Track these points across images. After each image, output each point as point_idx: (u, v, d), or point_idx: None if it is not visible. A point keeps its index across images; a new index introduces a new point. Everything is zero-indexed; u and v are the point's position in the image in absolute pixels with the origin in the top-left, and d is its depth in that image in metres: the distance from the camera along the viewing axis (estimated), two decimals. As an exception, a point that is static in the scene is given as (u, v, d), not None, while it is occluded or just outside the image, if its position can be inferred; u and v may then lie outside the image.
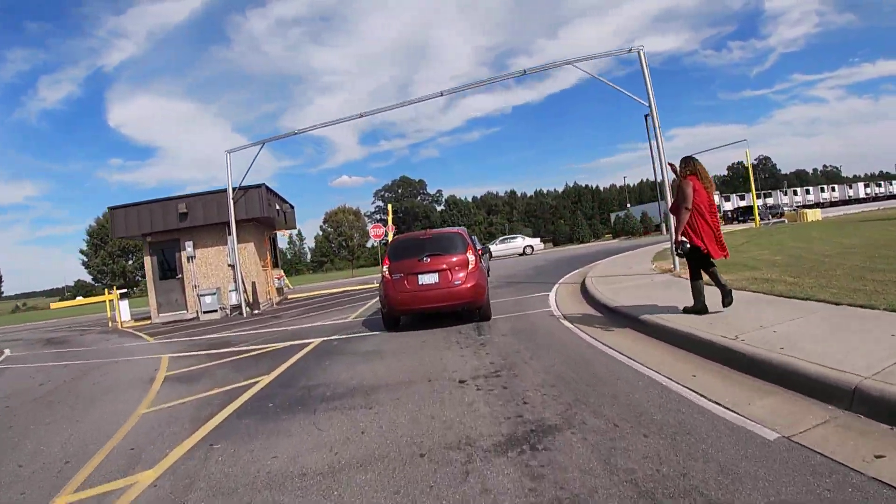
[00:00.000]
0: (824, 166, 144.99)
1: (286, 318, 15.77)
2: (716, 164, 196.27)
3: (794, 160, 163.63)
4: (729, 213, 64.85)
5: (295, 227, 24.78)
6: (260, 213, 19.42)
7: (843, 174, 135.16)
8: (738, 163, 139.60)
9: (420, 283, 9.87)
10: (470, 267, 9.98)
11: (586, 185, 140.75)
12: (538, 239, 46.64)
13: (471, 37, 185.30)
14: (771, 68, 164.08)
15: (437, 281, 9.84)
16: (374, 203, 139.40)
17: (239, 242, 19.77)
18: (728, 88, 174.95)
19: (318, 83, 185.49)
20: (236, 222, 18.98)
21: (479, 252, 12.61)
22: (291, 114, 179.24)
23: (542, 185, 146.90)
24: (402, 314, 10.55)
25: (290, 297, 25.51)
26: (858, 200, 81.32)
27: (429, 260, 10.02)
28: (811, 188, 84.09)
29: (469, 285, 9.80)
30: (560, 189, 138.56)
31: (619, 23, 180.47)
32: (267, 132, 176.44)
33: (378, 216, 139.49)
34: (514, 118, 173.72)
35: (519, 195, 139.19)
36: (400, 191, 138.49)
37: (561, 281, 16.36)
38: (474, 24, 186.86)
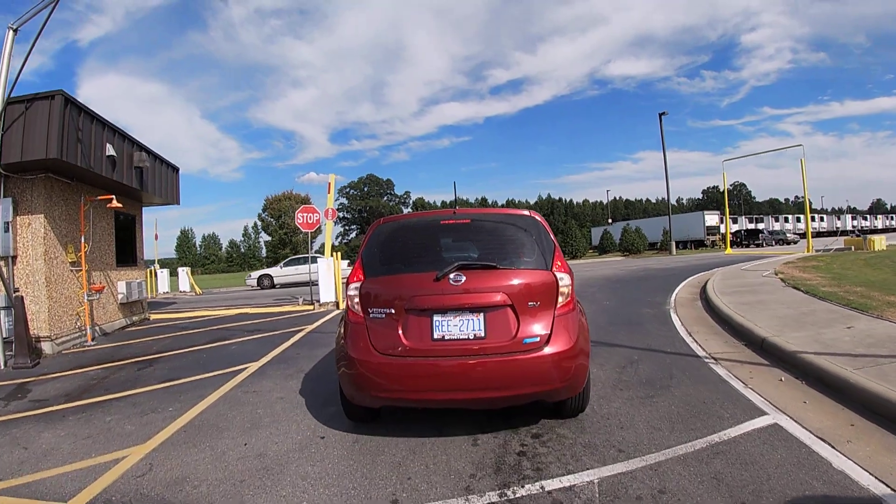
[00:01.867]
0: (796, 197, 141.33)
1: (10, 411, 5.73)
2: (691, 188, 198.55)
3: (758, 190, 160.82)
4: (731, 235, 56.75)
5: (175, 202, 14.17)
6: (47, 153, 8.81)
7: (814, 206, 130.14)
8: (713, 187, 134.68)
9: (437, 334, 3.86)
10: (560, 302, 4.01)
11: (560, 198, 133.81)
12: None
13: (448, 44, 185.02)
14: (742, 100, 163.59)
15: (481, 334, 3.84)
16: (337, 201, 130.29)
17: (20, 213, 9.58)
18: (698, 116, 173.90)
19: (290, 76, 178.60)
20: (7, 168, 8.80)
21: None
22: (262, 105, 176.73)
23: (511, 196, 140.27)
24: (380, 403, 4.10)
25: (157, 316, 14.88)
26: (845, 232, 76.93)
27: (462, 279, 3.93)
28: (801, 217, 78.55)
29: (560, 350, 3.82)
30: (531, 200, 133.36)
31: (596, 43, 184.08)
32: (236, 121, 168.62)
33: (341, 214, 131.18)
34: (485, 128, 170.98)
35: (490, 202, 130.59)
36: (366, 189, 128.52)
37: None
38: (452, 31, 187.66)
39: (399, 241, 4.49)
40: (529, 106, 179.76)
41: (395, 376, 3.88)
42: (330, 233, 15.45)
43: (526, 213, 4.61)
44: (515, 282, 4.02)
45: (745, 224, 65.71)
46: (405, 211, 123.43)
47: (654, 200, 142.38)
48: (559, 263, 4.21)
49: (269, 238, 42.59)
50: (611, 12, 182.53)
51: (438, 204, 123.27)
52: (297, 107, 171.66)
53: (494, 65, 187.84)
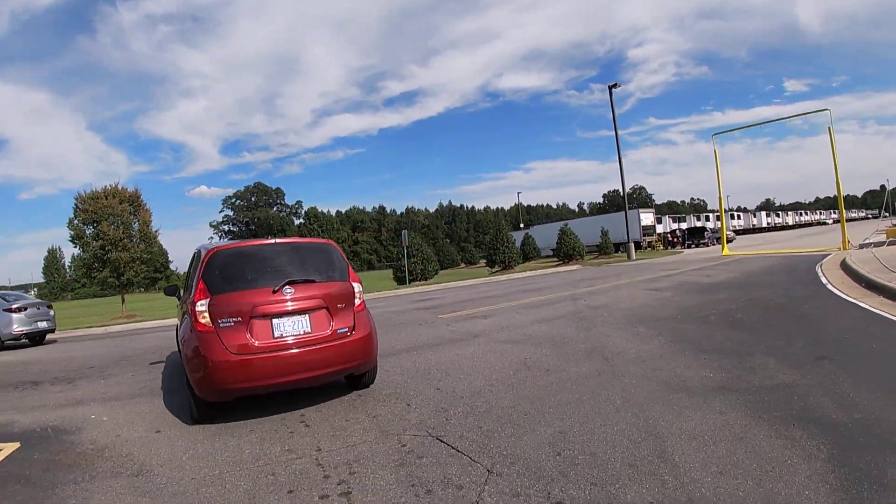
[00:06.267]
0: (692, 199, 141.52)
1: None
2: (586, 195, 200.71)
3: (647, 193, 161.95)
4: (668, 235, 48.50)
5: None
6: None
7: (709, 207, 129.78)
8: (614, 191, 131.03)
9: (277, 333, 5.00)
10: (357, 303, 5.54)
11: (461, 205, 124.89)
12: None
13: (343, 55, 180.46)
14: (628, 111, 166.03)
15: (308, 330, 5.11)
16: (222, 212, 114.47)
17: None
18: (587, 127, 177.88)
19: (181, 86, 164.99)
20: None
21: None
22: (151, 115, 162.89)
23: (410, 204, 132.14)
24: (236, 395, 4.96)
25: None
26: (762, 229, 72.99)
27: (292, 291, 5.14)
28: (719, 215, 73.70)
29: (361, 336, 5.34)
30: (431, 209, 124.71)
31: (489, 58, 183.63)
32: (124, 133, 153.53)
33: (227, 227, 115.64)
34: (380, 140, 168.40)
35: (388, 212, 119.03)
36: (254, 199, 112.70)
37: None
38: (348, 42, 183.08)
39: (236, 264, 5.35)
40: (423, 118, 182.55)
41: (247, 369, 4.77)
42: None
43: (325, 241, 6.04)
44: (328, 291, 5.29)
45: (669, 224, 58.15)
46: (297, 222, 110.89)
47: (554, 206, 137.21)
48: (353, 276, 5.65)
49: (81, 253, 27.64)
50: (504, 27, 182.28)
51: (334, 213, 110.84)
52: (187, 118, 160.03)
53: (389, 77, 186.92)
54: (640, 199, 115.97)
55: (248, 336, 4.85)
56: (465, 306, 12.64)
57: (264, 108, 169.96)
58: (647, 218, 47.58)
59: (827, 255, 19.05)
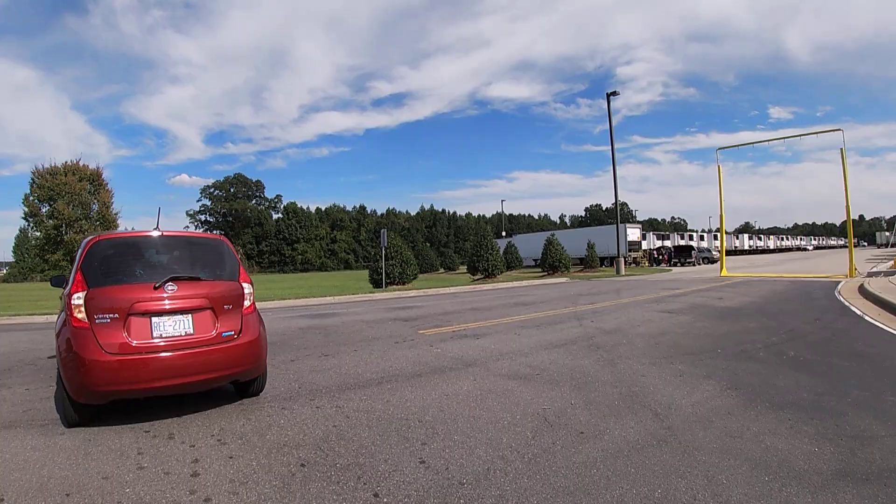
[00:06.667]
0: (672, 217, 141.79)
1: None
2: (569, 207, 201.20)
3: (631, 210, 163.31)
4: (655, 252, 47.29)
5: None
6: None
7: (689, 226, 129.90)
8: (596, 205, 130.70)
9: (156, 333, 4.54)
10: (246, 305, 5.09)
11: (443, 210, 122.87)
12: None
13: (334, 53, 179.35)
14: (614, 128, 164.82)
15: (190, 331, 4.67)
16: (200, 202, 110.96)
17: None
18: (572, 141, 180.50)
19: (169, 72, 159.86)
20: None
21: None
22: (137, 100, 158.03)
23: (392, 206, 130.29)
24: (111, 398, 4.46)
25: None
26: (744, 252, 72.47)
27: (174, 288, 4.68)
28: (705, 235, 73.15)
29: (248, 340, 4.89)
30: (413, 212, 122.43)
31: (479, 65, 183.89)
32: (108, 115, 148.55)
33: (203, 217, 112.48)
34: (366, 140, 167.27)
35: (369, 212, 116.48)
36: (233, 189, 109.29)
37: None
38: (339, 40, 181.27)
39: (118, 256, 4.89)
40: (410, 120, 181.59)
41: (123, 371, 4.31)
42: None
43: (216, 236, 5.68)
44: (214, 290, 4.85)
45: (653, 241, 56.97)
46: (275, 216, 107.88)
47: (536, 217, 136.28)
48: (243, 276, 5.22)
49: (35, 232, 25.21)
50: (496, 36, 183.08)
51: (313, 210, 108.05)
52: (172, 104, 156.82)
53: (378, 77, 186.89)
54: (622, 214, 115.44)
55: (125, 335, 4.43)
56: (450, 320, 10.90)
57: (251, 100, 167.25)
58: (633, 233, 46.38)
59: (835, 281, 17.84)
